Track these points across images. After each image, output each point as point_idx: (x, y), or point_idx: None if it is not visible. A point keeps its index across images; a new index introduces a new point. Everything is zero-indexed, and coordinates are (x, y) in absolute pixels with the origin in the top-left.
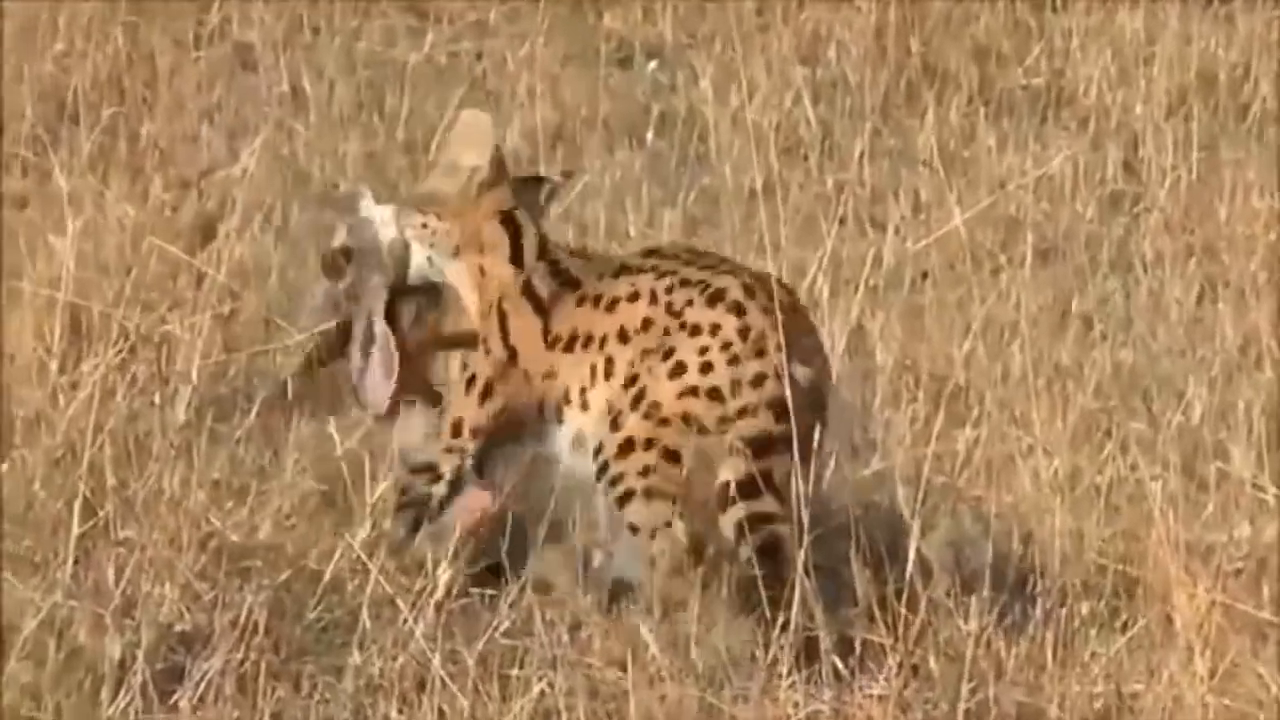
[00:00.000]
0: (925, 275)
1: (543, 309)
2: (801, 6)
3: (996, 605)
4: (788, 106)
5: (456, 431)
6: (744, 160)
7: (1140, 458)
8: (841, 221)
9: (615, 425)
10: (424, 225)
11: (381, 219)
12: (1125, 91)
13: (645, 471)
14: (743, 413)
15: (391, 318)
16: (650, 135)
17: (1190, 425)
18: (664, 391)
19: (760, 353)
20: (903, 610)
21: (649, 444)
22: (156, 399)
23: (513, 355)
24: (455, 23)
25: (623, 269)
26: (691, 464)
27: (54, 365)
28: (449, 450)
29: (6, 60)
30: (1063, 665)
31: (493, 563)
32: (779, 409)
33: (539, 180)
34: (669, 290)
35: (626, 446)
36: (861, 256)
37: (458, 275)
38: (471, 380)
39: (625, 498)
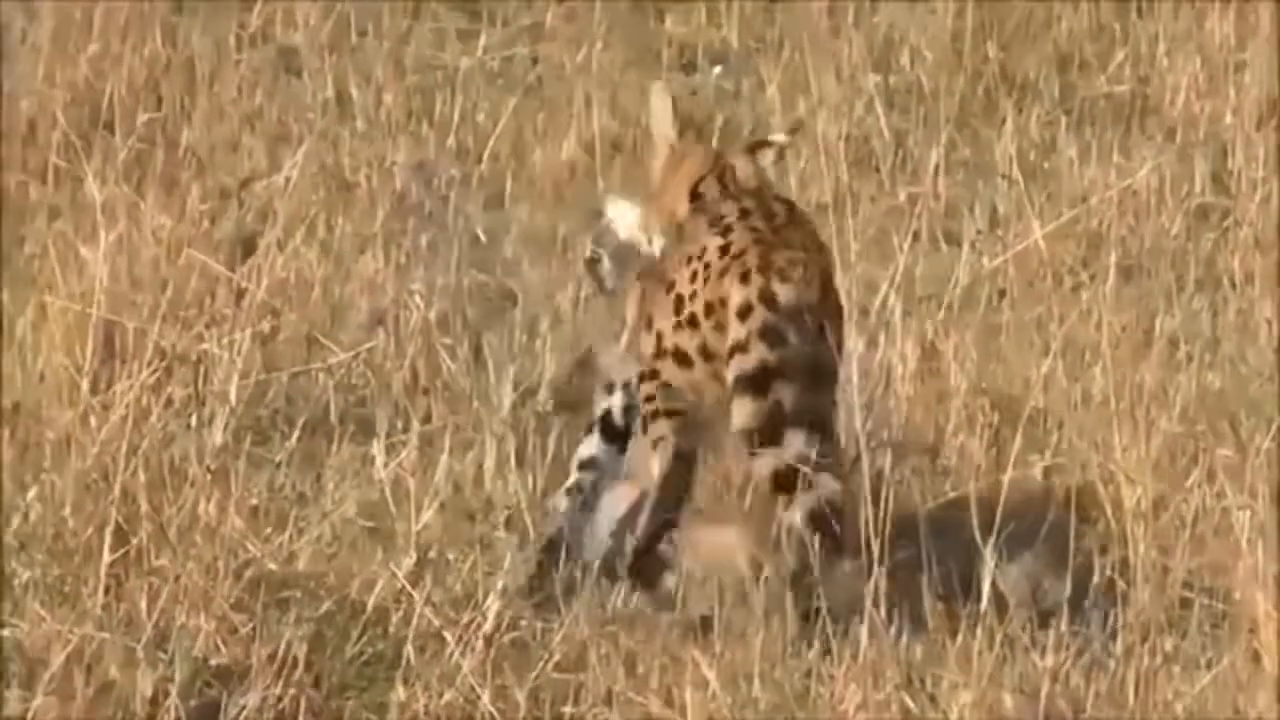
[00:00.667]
0: (1002, 293)
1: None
2: (874, 10)
3: (1075, 640)
4: (859, 115)
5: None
6: (813, 172)
7: (1228, 486)
8: (915, 237)
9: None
10: (640, 215)
11: (621, 219)
12: (1214, 100)
13: (649, 399)
14: (735, 350)
15: None
16: (715, 145)
17: None
18: (666, 324)
19: (744, 276)
20: (977, 644)
21: (653, 375)
22: (192, 421)
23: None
24: (509, 25)
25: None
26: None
27: (85, 385)
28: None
29: (40, 63)
30: (1144, 704)
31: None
32: (771, 337)
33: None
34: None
35: (639, 377)
36: (935, 273)
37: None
38: (650, 322)
39: (641, 422)
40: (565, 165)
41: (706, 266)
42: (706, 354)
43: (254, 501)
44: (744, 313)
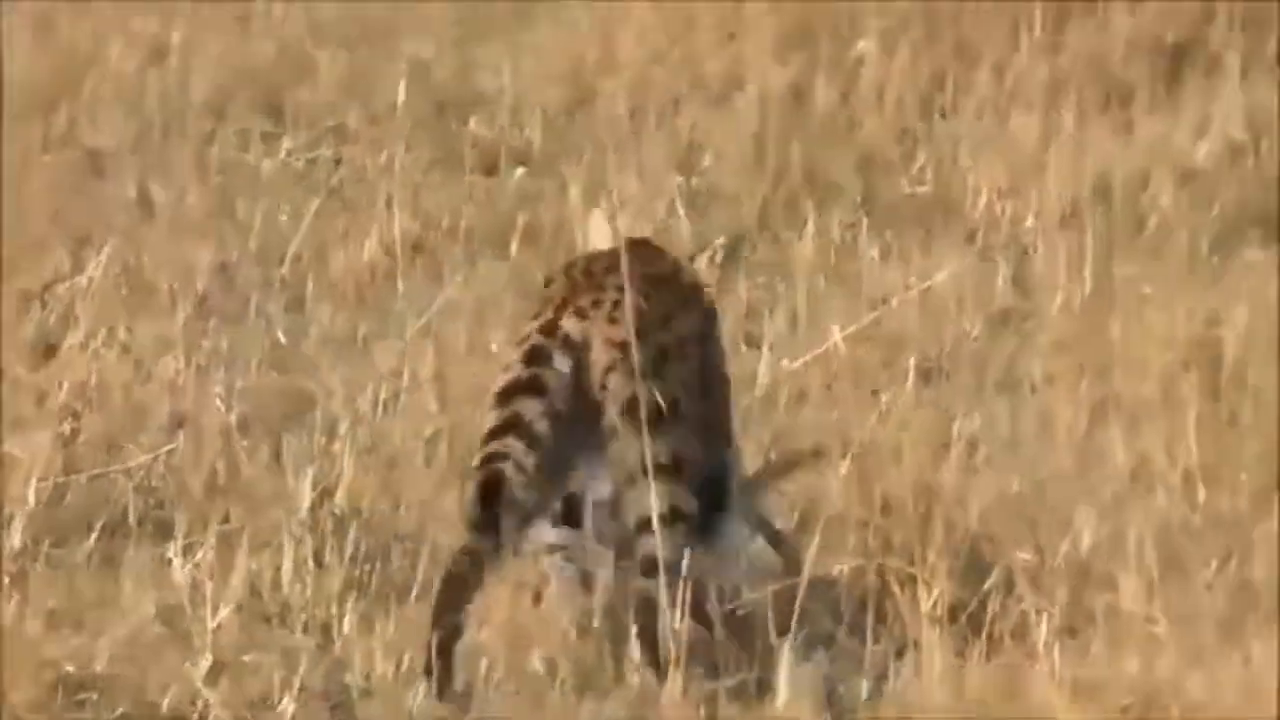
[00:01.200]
0: (802, 395)
1: None
2: (677, 111)
3: None
4: (661, 217)
5: None
6: None
7: (1025, 589)
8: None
9: None
10: None
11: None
12: (1016, 202)
13: None
14: (503, 370)
15: None
16: (515, 247)
17: (1078, 555)
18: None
19: (536, 315)
20: None
21: None
22: None
23: None
24: (313, 127)
25: None
26: None
27: None
28: None
29: None
30: None
31: None
32: (529, 356)
33: None
34: None
35: None
36: (737, 375)
37: None
38: None
39: None
40: (366, 267)
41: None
42: None
43: (52, 604)
44: (522, 340)
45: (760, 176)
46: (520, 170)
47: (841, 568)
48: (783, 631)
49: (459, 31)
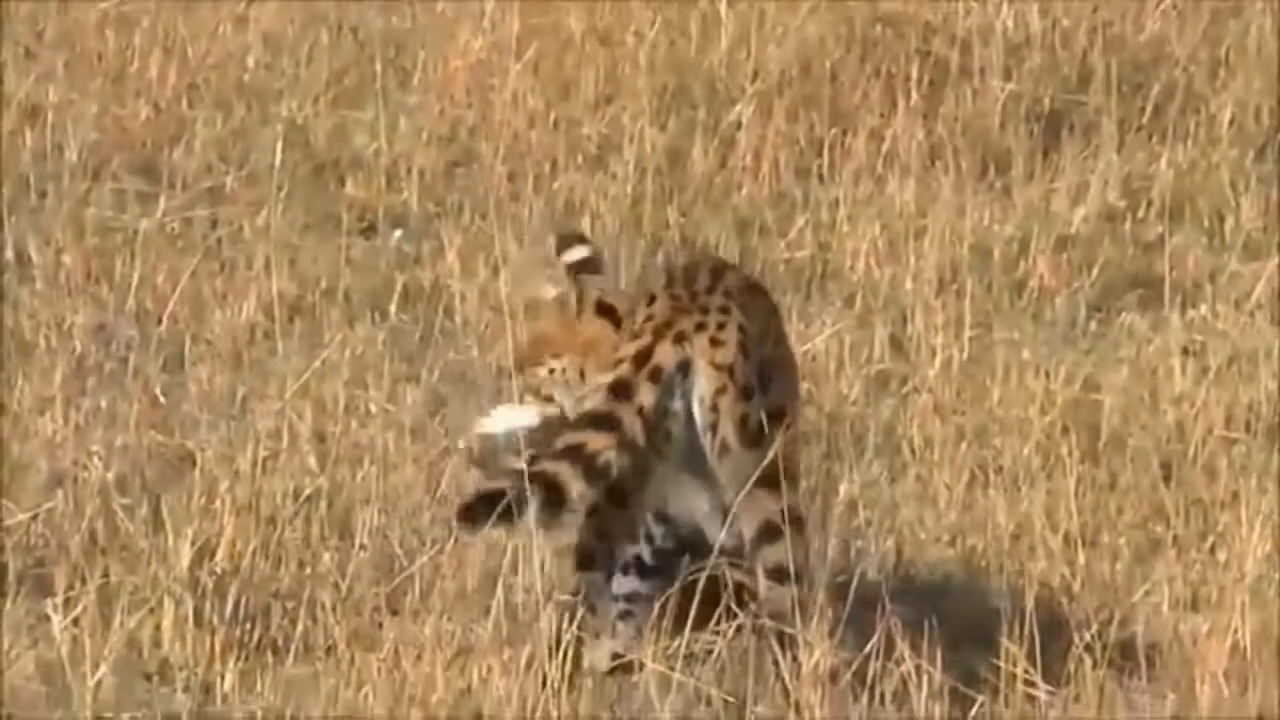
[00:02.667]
0: None
1: None
2: (554, 174)
3: None
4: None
5: None
6: (493, 335)
7: (906, 651)
8: None
9: None
10: (550, 372)
11: (504, 419)
12: (894, 266)
13: None
14: (594, 389)
15: None
16: (394, 308)
17: (959, 617)
18: None
19: (636, 335)
20: None
21: None
22: None
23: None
24: (189, 188)
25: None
26: None
27: None
28: None
29: None
30: None
31: None
32: (614, 389)
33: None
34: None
35: None
36: None
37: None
38: None
39: None
40: (244, 327)
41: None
42: None
43: None
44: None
45: (638, 239)
46: (398, 232)
47: (722, 627)
48: (663, 690)
49: (335, 92)
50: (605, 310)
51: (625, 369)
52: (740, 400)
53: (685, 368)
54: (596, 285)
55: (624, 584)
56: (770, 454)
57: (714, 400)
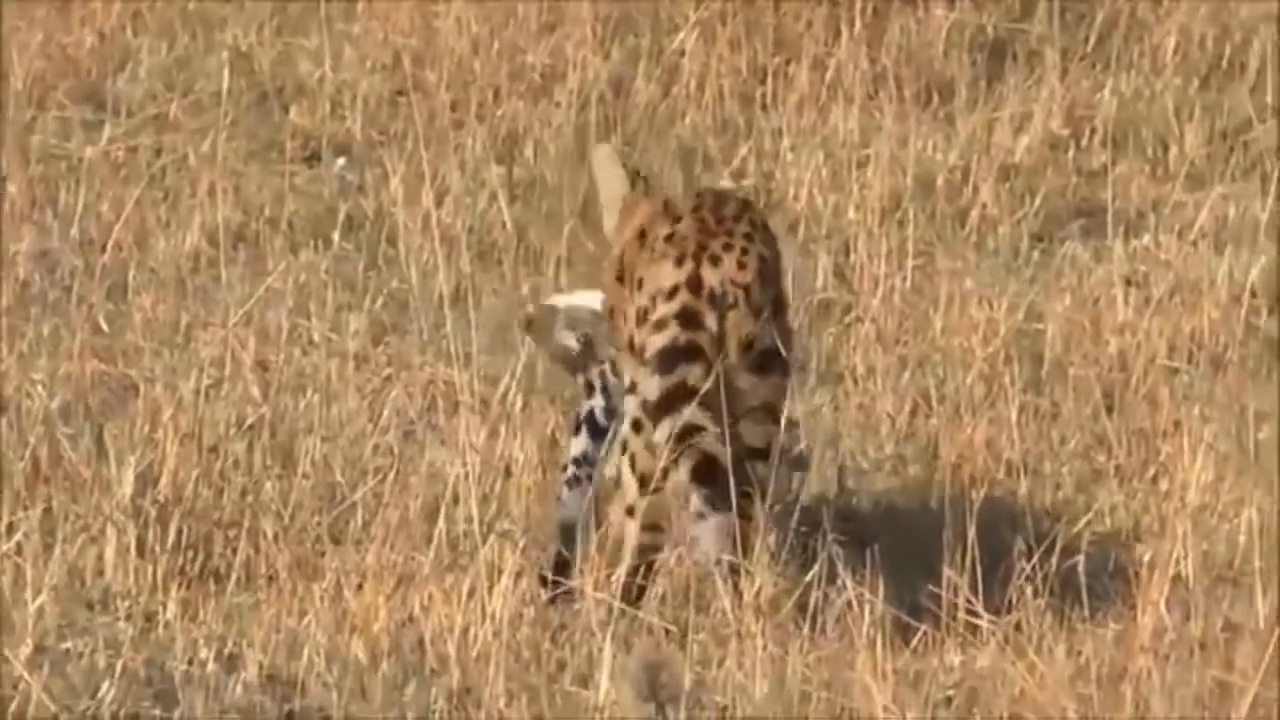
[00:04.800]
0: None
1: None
2: (498, 103)
3: None
4: (482, 208)
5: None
6: (434, 264)
7: (848, 580)
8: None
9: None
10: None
11: (570, 298)
12: (837, 195)
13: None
14: (657, 327)
15: None
16: (337, 236)
17: (901, 546)
18: (632, 321)
19: (679, 260)
20: None
21: (631, 387)
22: None
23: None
24: (134, 116)
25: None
26: None
27: None
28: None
29: None
30: None
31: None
32: (685, 318)
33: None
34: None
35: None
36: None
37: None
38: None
39: (621, 446)
40: (188, 255)
41: (654, 253)
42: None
43: None
44: (670, 293)
45: (581, 168)
46: (341, 160)
47: (665, 556)
48: (604, 621)
49: (280, 20)
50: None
51: (687, 296)
52: (749, 318)
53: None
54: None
55: (576, 445)
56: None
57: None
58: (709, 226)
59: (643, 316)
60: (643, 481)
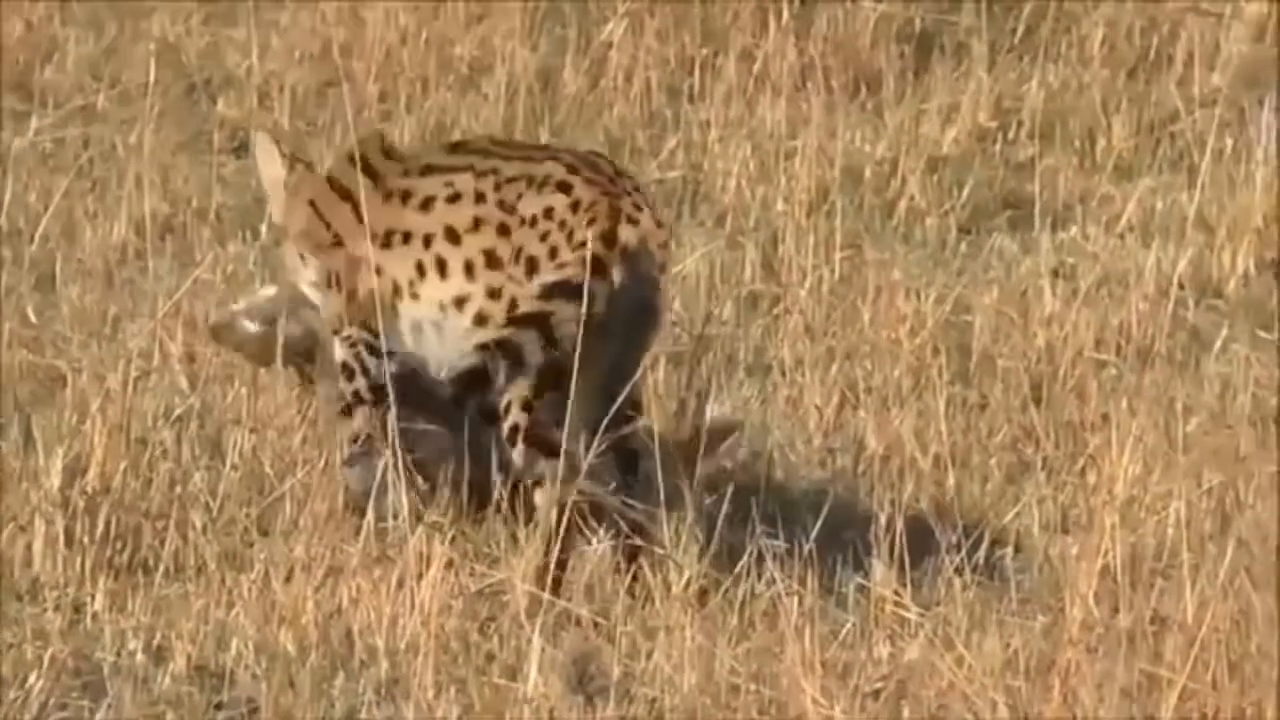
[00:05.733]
0: None
1: (349, 196)
2: (426, 94)
3: None
4: None
5: (339, 324)
6: None
7: (776, 572)
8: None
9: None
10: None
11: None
12: (765, 187)
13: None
14: (560, 266)
15: None
16: (265, 228)
17: (829, 538)
18: (524, 292)
19: (593, 221)
20: None
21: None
22: None
23: (338, 240)
24: (61, 107)
25: (429, 168)
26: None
27: None
28: (344, 342)
29: None
30: None
31: None
32: (594, 266)
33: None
34: (496, 188)
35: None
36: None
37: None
38: (328, 278)
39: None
40: (116, 246)
41: (563, 225)
42: None
43: None
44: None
45: None
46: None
47: (592, 547)
48: (532, 612)
49: (207, 11)
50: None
51: (599, 246)
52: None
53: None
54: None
55: (349, 427)
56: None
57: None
58: (610, 188)
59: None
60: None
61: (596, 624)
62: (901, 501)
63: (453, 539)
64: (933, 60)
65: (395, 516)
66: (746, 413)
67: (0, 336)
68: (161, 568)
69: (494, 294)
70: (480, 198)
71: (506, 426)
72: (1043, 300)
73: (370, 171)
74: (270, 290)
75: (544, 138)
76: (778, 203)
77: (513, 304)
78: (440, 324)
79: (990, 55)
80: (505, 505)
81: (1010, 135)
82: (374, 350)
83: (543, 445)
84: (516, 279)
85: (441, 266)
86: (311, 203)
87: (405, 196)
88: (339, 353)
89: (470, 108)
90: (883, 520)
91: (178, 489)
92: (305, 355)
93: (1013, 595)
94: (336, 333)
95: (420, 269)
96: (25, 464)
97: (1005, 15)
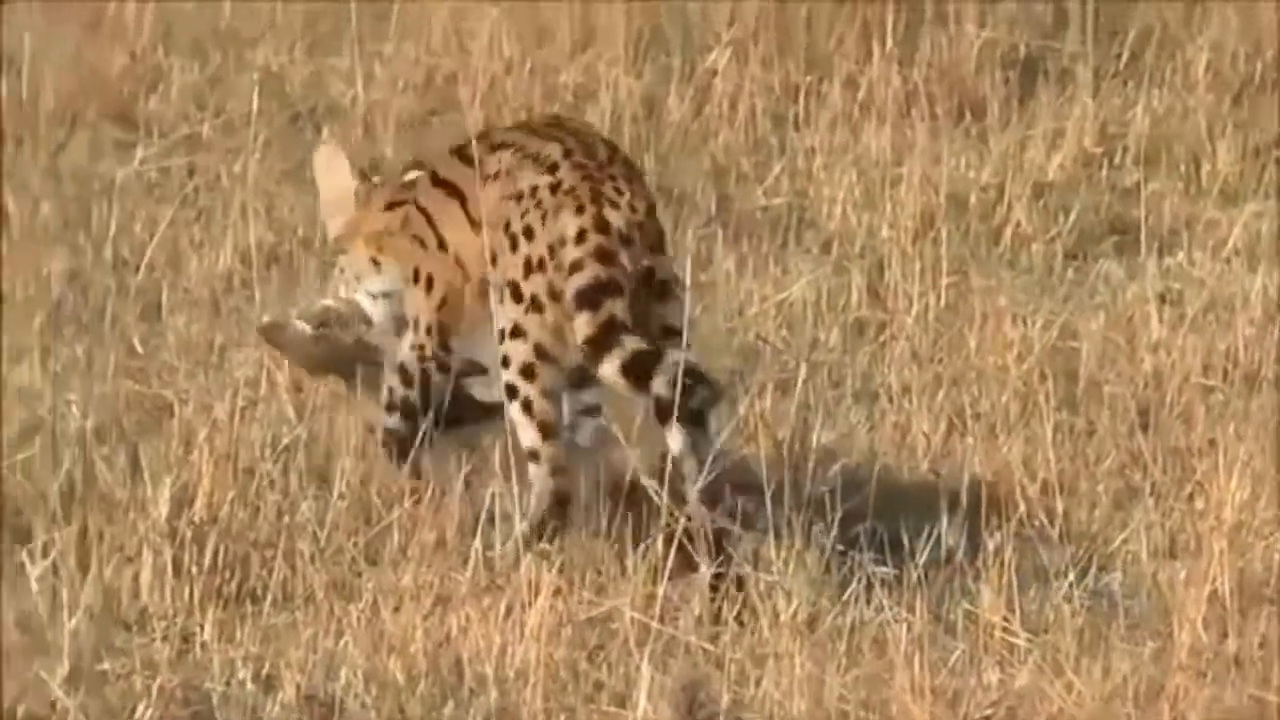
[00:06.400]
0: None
1: (457, 191)
2: None
3: None
4: None
5: (416, 327)
6: None
7: (885, 599)
8: None
9: (500, 300)
10: (340, 271)
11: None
12: (870, 213)
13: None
14: (574, 269)
15: None
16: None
17: (938, 565)
18: (516, 271)
19: (579, 209)
20: None
21: (523, 334)
22: None
23: (442, 243)
24: (166, 136)
25: (497, 145)
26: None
27: None
28: (411, 346)
29: None
30: None
31: None
32: (602, 256)
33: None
34: (512, 164)
35: (512, 331)
36: None
37: (392, 276)
38: (415, 275)
39: (510, 391)
40: (221, 275)
41: (539, 205)
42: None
43: None
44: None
45: None
46: (376, 179)
47: (701, 575)
48: (641, 640)
49: (311, 40)
50: (392, 205)
51: (599, 238)
52: (647, 252)
53: None
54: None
55: (391, 420)
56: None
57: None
58: (593, 173)
59: (538, 264)
60: (544, 429)
61: (705, 651)
62: (1009, 528)
63: (560, 567)
64: (1037, 86)
65: (501, 543)
66: (854, 439)
67: (107, 366)
68: (270, 597)
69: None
70: (508, 174)
71: (505, 380)
72: (1149, 326)
73: (472, 161)
74: (327, 301)
75: (649, 165)
76: (883, 229)
77: (505, 272)
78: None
79: (1095, 80)
80: (612, 530)
81: (1115, 160)
82: (444, 368)
83: (543, 426)
84: (504, 251)
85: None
86: (419, 205)
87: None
88: (405, 355)
89: None
90: (991, 547)
91: (285, 518)
92: (350, 368)
93: (1121, 621)
94: (407, 332)
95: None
96: (133, 494)
97: (1110, 40)
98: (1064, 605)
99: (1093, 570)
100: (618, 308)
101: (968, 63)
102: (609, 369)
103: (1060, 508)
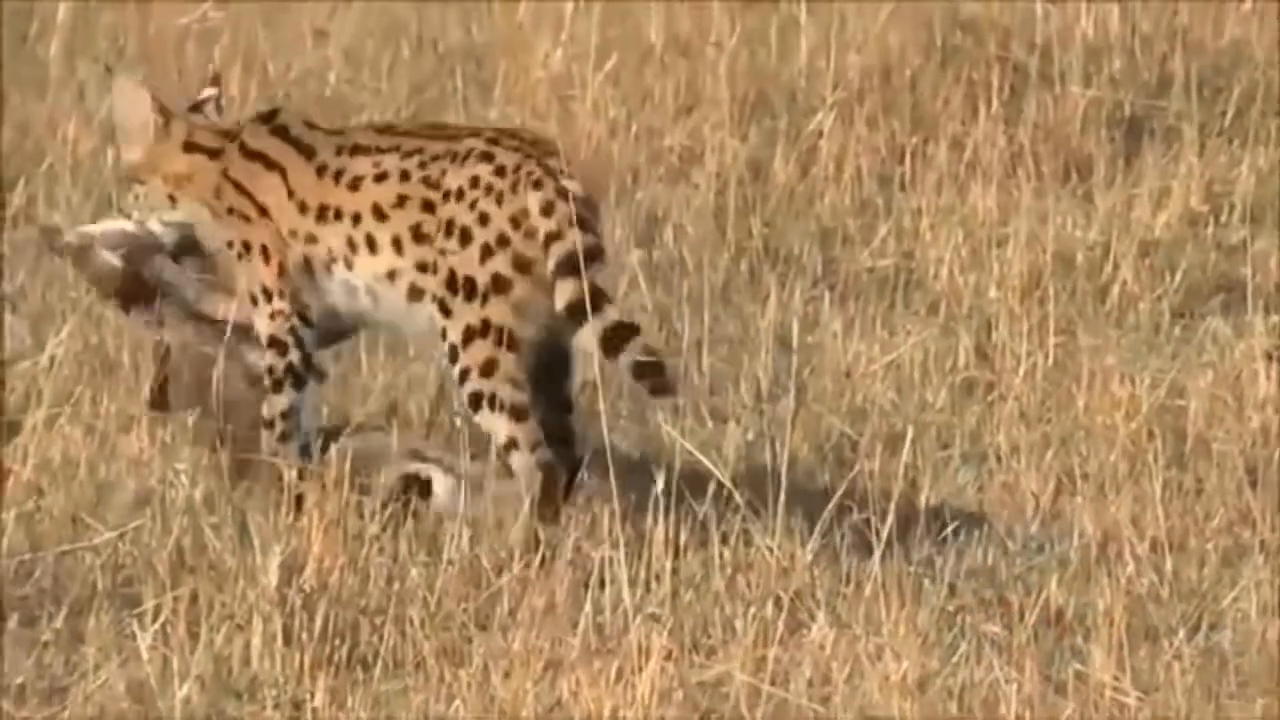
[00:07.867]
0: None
1: (274, 165)
2: (637, 185)
3: None
4: (623, 291)
5: (267, 296)
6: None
7: (995, 659)
8: (676, 411)
9: (446, 312)
10: (135, 197)
11: (104, 225)
12: (977, 274)
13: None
14: (552, 238)
15: None
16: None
17: (1047, 625)
18: (470, 264)
19: (537, 183)
20: None
21: (485, 328)
22: None
23: (264, 211)
24: None
25: (358, 148)
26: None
27: None
28: (271, 316)
29: None
30: None
31: None
32: (579, 222)
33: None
34: (421, 166)
35: (467, 335)
36: (701, 448)
37: (190, 214)
38: (247, 248)
39: (474, 401)
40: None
41: (489, 190)
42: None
43: (20, 679)
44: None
45: (721, 249)
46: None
47: (810, 640)
48: (752, 703)
49: (417, 105)
50: (191, 148)
51: (566, 205)
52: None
53: None
54: (195, 122)
55: (280, 401)
56: None
57: None
58: (530, 152)
59: (498, 241)
60: (515, 414)
61: (816, 713)
62: (1119, 586)
63: (670, 630)
64: (1142, 144)
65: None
66: (962, 499)
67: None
68: (380, 664)
69: (424, 268)
70: (405, 176)
71: (468, 391)
72: (1257, 383)
73: (299, 145)
74: (125, 225)
75: (754, 227)
76: (990, 289)
77: (451, 276)
78: (375, 293)
79: (1200, 138)
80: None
81: (1221, 218)
82: (307, 320)
83: (514, 411)
84: (451, 250)
85: (371, 243)
86: (230, 178)
87: (337, 175)
88: (266, 327)
89: (680, 199)
90: (1100, 606)
91: (395, 584)
92: (150, 295)
93: (1232, 679)
94: (257, 304)
95: (351, 245)
96: (242, 561)
97: (1214, 99)
98: (1174, 664)
99: (1203, 628)
100: (599, 275)
101: (1073, 122)
102: (587, 335)
103: (1169, 566)
